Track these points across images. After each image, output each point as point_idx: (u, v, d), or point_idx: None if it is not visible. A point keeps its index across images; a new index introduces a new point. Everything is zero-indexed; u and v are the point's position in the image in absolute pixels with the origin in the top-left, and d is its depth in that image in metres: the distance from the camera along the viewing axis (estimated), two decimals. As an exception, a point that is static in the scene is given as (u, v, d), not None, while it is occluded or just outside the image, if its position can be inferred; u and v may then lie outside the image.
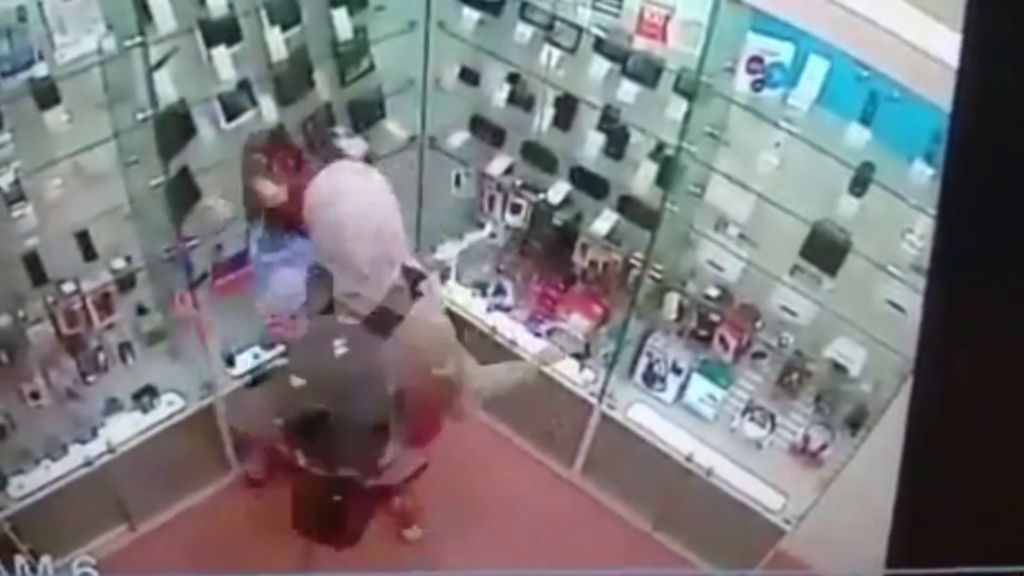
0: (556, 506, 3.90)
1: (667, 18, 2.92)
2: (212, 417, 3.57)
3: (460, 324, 3.37)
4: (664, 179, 3.15)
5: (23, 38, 2.54)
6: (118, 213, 3.02)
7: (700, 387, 3.56)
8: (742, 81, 2.86)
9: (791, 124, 2.82)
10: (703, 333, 3.42)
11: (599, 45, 3.10)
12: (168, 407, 3.44)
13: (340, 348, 2.29)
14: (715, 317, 3.36)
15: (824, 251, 2.93)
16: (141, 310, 3.31)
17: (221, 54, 2.90)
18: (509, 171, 3.61)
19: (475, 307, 3.88)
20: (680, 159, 3.04)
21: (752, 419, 3.46)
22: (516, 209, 3.68)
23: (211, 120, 3.05)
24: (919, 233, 2.71)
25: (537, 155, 3.46)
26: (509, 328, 3.80)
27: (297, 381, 2.34)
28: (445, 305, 3.17)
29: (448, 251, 3.79)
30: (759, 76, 2.83)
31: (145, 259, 3.17)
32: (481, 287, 3.93)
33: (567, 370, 3.71)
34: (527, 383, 3.00)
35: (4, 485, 3.13)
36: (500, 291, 3.91)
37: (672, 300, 3.43)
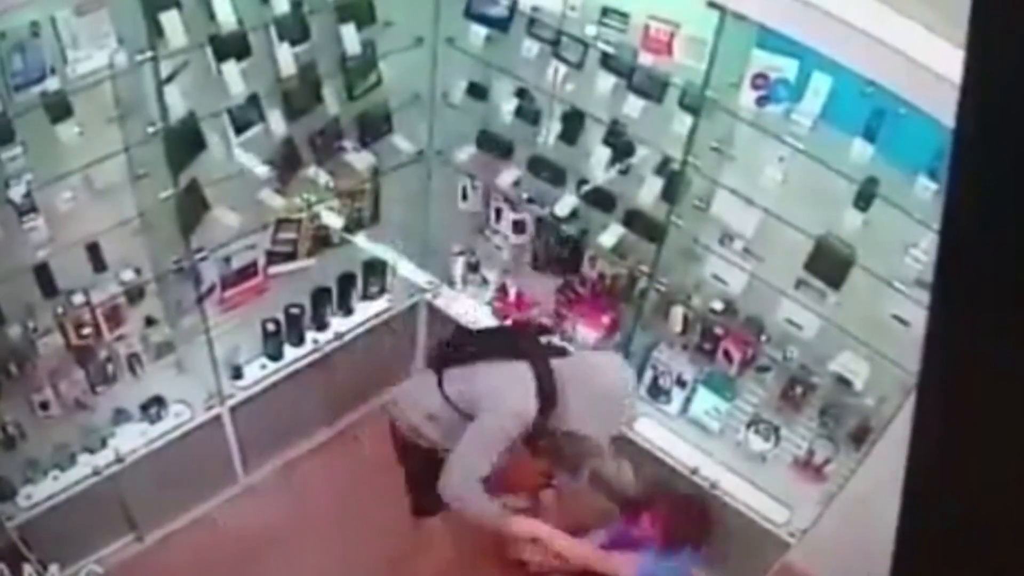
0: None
1: (672, 34, 2.94)
2: (219, 428, 3.59)
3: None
4: (669, 193, 3.16)
5: (36, 52, 2.56)
6: (128, 225, 3.05)
7: (705, 400, 3.57)
8: (747, 96, 2.88)
9: (795, 139, 2.83)
10: (708, 346, 3.42)
11: (605, 60, 3.12)
12: (176, 418, 3.47)
13: None
14: (720, 330, 3.37)
15: (828, 265, 2.93)
16: (150, 321, 3.33)
17: (231, 69, 2.93)
18: (516, 184, 3.61)
19: (481, 316, 3.92)
20: (685, 173, 3.06)
21: (757, 432, 3.46)
22: (520, 225, 3.71)
23: (220, 134, 3.08)
24: (923, 248, 2.71)
25: (544, 169, 3.48)
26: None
27: None
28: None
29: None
30: (764, 92, 2.85)
31: (154, 271, 3.20)
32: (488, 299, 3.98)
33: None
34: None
35: (13, 494, 3.14)
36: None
37: (677, 313, 3.43)
